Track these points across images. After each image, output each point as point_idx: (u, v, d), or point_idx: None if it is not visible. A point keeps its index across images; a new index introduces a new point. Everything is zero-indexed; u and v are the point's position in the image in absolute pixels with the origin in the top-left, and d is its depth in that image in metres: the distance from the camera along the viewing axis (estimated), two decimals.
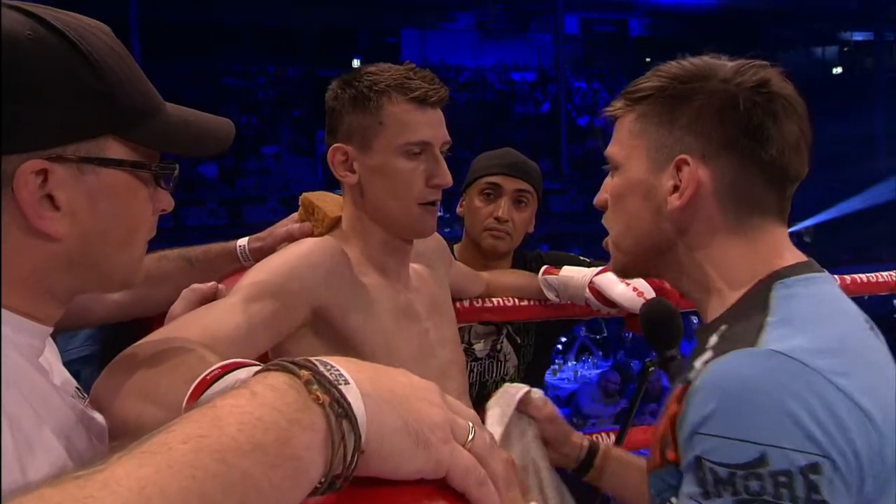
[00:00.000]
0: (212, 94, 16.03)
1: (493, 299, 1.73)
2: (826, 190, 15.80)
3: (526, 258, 1.96)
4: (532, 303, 1.76)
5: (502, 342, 1.88)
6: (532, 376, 1.94)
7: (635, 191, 0.90)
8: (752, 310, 0.80)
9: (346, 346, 1.13)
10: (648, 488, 0.85)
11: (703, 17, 18.10)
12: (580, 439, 1.17)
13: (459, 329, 1.83)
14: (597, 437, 1.86)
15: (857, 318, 0.82)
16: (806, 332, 0.75)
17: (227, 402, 0.43)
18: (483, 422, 0.55)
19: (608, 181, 0.95)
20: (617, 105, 0.93)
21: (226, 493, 0.39)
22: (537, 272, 1.79)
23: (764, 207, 0.86)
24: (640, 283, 1.57)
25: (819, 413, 0.69)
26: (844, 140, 15.20)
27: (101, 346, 1.55)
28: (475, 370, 1.85)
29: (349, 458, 0.44)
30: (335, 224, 1.30)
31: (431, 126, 1.21)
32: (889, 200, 15.27)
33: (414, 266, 1.34)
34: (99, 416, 0.74)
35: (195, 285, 1.13)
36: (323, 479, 0.44)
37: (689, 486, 0.73)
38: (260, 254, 1.30)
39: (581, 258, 1.89)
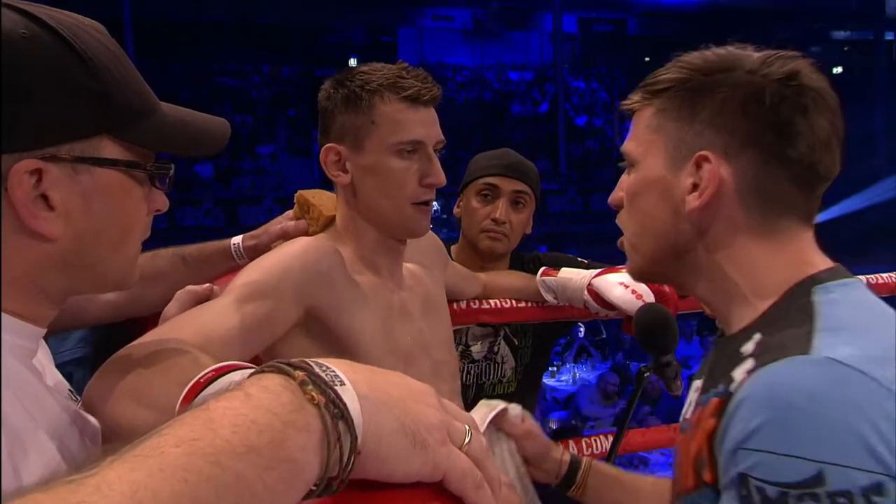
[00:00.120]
0: (206, 94, 16.02)
1: (491, 301, 1.73)
2: (826, 190, 15.83)
3: (523, 259, 1.96)
4: (530, 304, 1.76)
5: (499, 344, 1.88)
6: (529, 378, 1.94)
7: (652, 189, 0.85)
8: (795, 316, 0.74)
9: (339, 345, 1.13)
10: None
11: (702, 15, 18.12)
12: (560, 454, 1.14)
13: (456, 331, 1.83)
14: (596, 439, 1.87)
15: None
16: (857, 340, 0.70)
17: (220, 405, 0.43)
18: None
19: (624, 178, 0.91)
20: (634, 98, 0.89)
21: (219, 495, 0.39)
22: (535, 274, 1.79)
23: (791, 208, 0.81)
24: (640, 286, 1.58)
25: (882, 427, 0.63)
26: (844, 140, 15.21)
27: (93, 348, 1.55)
28: (472, 372, 1.85)
29: (345, 459, 0.44)
30: (330, 222, 1.30)
31: (424, 125, 1.21)
32: (888, 199, 15.32)
33: (408, 265, 1.34)
34: (92, 418, 0.74)
35: (190, 287, 1.13)
36: (319, 481, 0.44)
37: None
38: (254, 252, 1.30)
39: (579, 259, 1.89)
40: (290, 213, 1.41)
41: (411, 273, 1.35)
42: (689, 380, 0.92)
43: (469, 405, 1.83)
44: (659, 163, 0.85)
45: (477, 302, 1.71)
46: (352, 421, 0.45)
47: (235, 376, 0.62)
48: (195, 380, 0.64)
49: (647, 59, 18.47)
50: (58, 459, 0.63)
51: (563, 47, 19.05)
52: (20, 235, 0.63)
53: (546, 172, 15.26)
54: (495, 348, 1.88)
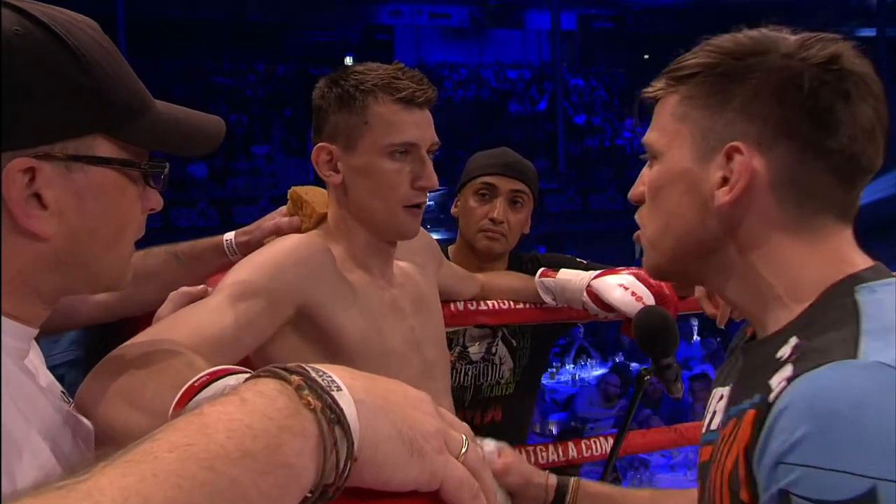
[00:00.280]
0: (201, 92, 16.00)
1: (489, 302, 1.73)
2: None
3: (521, 260, 1.96)
4: (528, 306, 1.77)
5: (497, 345, 1.88)
6: (528, 380, 1.94)
7: (677, 183, 0.80)
8: (836, 317, 0.69)
9: (330, 343, 1.13)
10: None
11: (702, 12, 18.14)
12: (544, 479, 1.11)
13: (454, 332, 1.83)
14: (595, 441, 1.87)
15: None
16: None
17: (215, 409, 0.42)
18: None
19: (645, 172, 0.85)
20: (658, 85, 0.83)
21: (213, 501, 0.39)
22: (533, 274, 1.79)
23: (829, 204, 0.76)
24: (639, 287, 1.58)
25: None
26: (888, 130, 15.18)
27: (85, 350, 1.55)
28: (470, 373, 1.86)
29: (342, 465, 0.44)
30: (323, 219, 1.30)
31: (418, 127, 1.21)
32: (887, 196, 15.35)
33: (400, 263, 1.35)
34: (85, 419, 0.74)
35: (184, 288, 1.13)
36: (315, 488, 0.44)
37: None
38: (247, 248, 1.30)
39: (578, 260, 1.89)
40: (283, 209, 1.41)
41: (403, 271, 1.35)
42: (690, 381, 0.90)
43: (467, 406, 1.84)
44: (685, 154, 0.79)
45: (475, 303, 1.71)
46: (348, 426, 0.44)
47: (230, 380, 0.62)
48: (189, 383, 0.64)
49: (646, 56, 18.50)
50: (52, 461, 0.64)
51: (562, 45, 19.06)
52: (13, 235, 0.63)
53: (544, 171, 15.27)
54: (493, 349, 1.88)
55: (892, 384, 0.59)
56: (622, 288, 1.59)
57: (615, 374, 6.50)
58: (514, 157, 1.89)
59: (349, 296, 1.18)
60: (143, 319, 1.16)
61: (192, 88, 15.91)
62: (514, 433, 1.89)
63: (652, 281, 1.57)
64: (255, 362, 1.07)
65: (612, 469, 1.23)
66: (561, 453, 1.82)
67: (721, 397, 0.83)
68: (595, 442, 1.87)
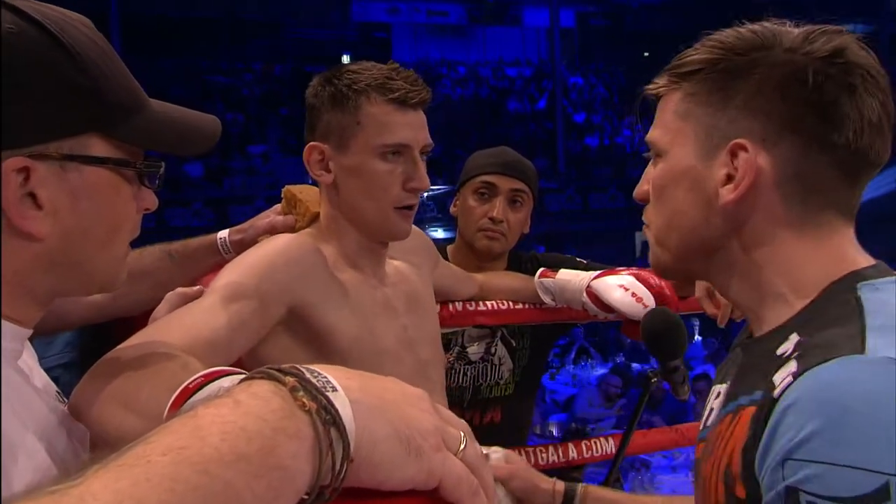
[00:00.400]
0: (196, 92, 16.00)
1: (487, 302, 1.73)
2: None
3: (521, 259, 1.96)
4: (527, 306, 1.76)
5: (496, 345, 1.88)
6: (527, 380, 1.94)
7: (681, 181, 0.80)
8: (839, 314, 0.69)
9: (322, 343, 1.14)
10: None
11: (702, 8, 18.16)
12: (551, 485, 1.12)
13: (453, 332, 1.83)
14: (596, 441, 1.87)
15: None
16: None
17: (209, 412, 0.42)
18: None
19: (650, 170, 0.85)
20: (660, 82, 0.83)
21: None
22: (533, 274, 1.79)
23: (833, 200, 0.75)
24: (639, 288, 1.58)
25: None
26: None
27: (80, 352, 1.55)
28: (469, 374, 1.86)
29: (338, 466, 0.44)
30: (317, 218, 1.31)
31: (411, 128, 1.21)
32: (886, 192, 15.39)
33: (394, 262, 1.35)
34: None
35: (180, 289, 1.13)
36: (311, 490, 0.43)
37: None
38: (241, 246, 1.31)
39: (578, 260, 1.89)
40: (277, 207, 1.41)
41: (396, 269, 1.35)
42: (692, 381, 0.91)
43: (466, 407, 1.84)
44: (688, 152, 0.79)
45: (473, 303, 1.71)
46: (344, 427, 0.44)
47: (224, 382, 0.62)
48: (184, 385, 0.63)
49: (646, 53, 18.51)
50: (48, 462, 0.64)
51: (561, 42, 19.07)
52: (8, 235, 0.63)
53: (544, 170, 15.28)
54: (492, 350, 1.88)
55: None
56: (622, 289, 1.59)
57: (616, 374, 6.50)
58: (514, 156, 1.89)
59: (341, 295, 1.19)
60: (139, 320, 1.16)
61: (187, 88, 15.91)
62: (513, 434, 1.90)
63: (652, 281, 1.57)
64: (248, 363, 1.07)
65: (608, 489, 1.23)
66: (561, 454, 1.82)
67: (718, 394, 0.83)
68: (595, 443, 1.87)
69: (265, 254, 1.13)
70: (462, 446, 0.51)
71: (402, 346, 1.26)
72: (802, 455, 0.60)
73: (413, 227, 1.33)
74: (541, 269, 1.77)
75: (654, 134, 0.83)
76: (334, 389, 0.46)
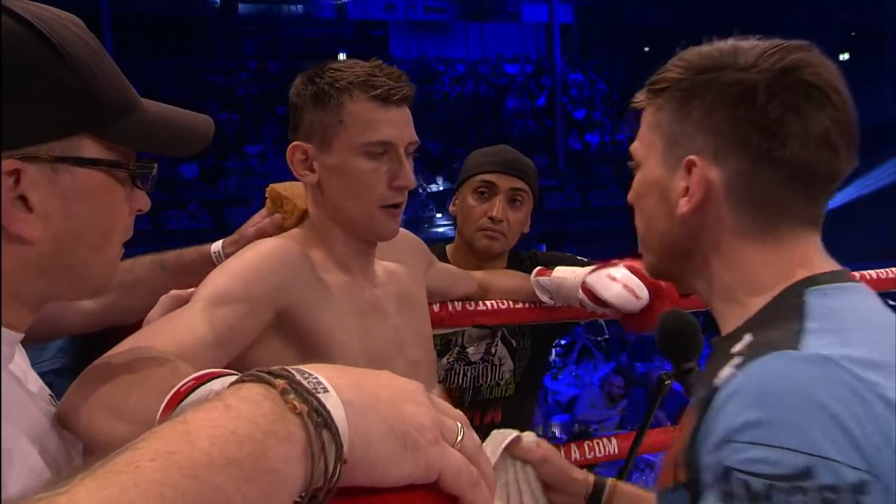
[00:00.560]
0: (191, 91, 16.00)
1: (487, 302, 1.73)
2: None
3: (521, 259, 1.96)
4: (526, 305, 1.76)
5: (497, 345, 1.88)
6: (528, 381, 1.95)
7: (652, 191, 0.87)
8: (784, 316, 0.75)
9: (312, 346, 1.14)
10: None
11: (702, 2, 18.16)
12: (584, 476, 1.14)
13: (452, 333, 1.83)
14: (599, 442, 1.87)
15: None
16: (850, 342, 0.70)
17: (198, 416, 0.42)
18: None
19: (635, 178, 0.92)
20: (640, 97, 0.90)
21: None
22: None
23: (788, 211, 0.81)
24: (632, 280, 1.57)
25: (870, 429, 0.63)
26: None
27: (73, 358, 1.55)
28: (469, 374, 1.86)
29: (331, 469, 0.44)
30: (306, 214, 1.30)
31: (395, 125, 1.20)
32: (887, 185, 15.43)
33: (384, 263, 1.35)
34: None
35: (174, 291, 1.13)
36: (304, 493, 0.43)
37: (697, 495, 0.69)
38: None
39: (578, 258, 1.89)
40: (263, 211, 1.41)
41: (386, 270, 1.35)
42: None
43: (466, 407, 1.84)
44: (657, 164, 0.86)
45: (473, 303, 1.71)
46: (336, 429, 0.44)
47: (215, 385, 0.62)
48: (175, 389, 0.63)
49: (647, 49, 18.52)
50: (41, 465, 0.64)
51: (560, 38, 19.07)
52: None
53: (544, 168, 15.28)
54: (492, 350, 1.88)
55: (831, 375, 0.66)
56: (615, 282, 1.59)
57: (619, 374, 6.50)
58: (514, 155, 1.89)
59: (329, 298, 1.18)
60: (134, 326, 1.16)
61: (181, 87, 15.90)
62: None
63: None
64: (239, 368, 1.07)
65: (637, 487, 1.23)
66: (563, 456, 1.82)
67: None
68: (598, 444, 1.87)
69: (250, 259, 1.13)
70: (459, 437, 0.51)
71: (393, 347, 1.26)
72: (738, 438, 0.65)
73: (404, 230, 1.33)
74: (537, 268, 1.77)
75: (633, 145, 0.91)
76: (326, 391, 0.46)
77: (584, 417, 5.87)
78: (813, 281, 0.78)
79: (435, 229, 13.48)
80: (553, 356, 7.15)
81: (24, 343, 0.73)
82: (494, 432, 1.12)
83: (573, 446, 1.86)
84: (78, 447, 0.73)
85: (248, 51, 19.47)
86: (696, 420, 0.72)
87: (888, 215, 13.08)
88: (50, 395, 0.77)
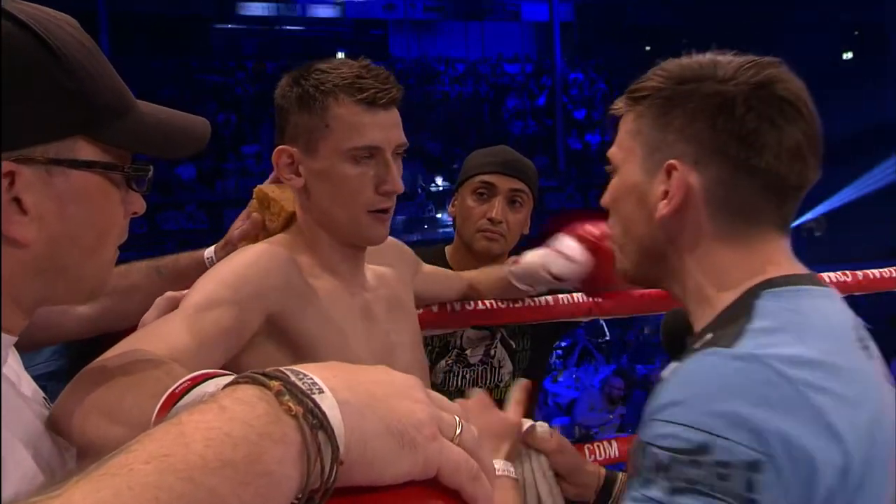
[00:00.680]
0: (187, 91, 16.01)
1: (486, 302, 1.73)
2: (835, 185, 15.88)
3: None
4: (526, 304, 1.76)
5: (496, 347, 1.88)
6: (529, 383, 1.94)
7: (630, 195, 0.92)
8: (736, 316, 0.81)
9: (302, 351, 1.13)
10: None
11: (704, 2, 18.17)
12: (595, 468, 1.17)
13: (451, 334, 1.83)
14: (599, 445, 1.87)
15: (848, 335, 0.82)
16: (788, 342, 0.76)
17: (193, 418, 0.42)
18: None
19: (612, 182, 0.96)
20: (619, 104, 0.95)
21: None
22: None
23: (760, 217, 0.87)
24: (570, 247, 1.54)
25: (779, 420, 0.70)
26: (854, 130, 15.26)
27: (68, 360, 1.55)
28: (468, 377, 1.86)
29: (327, 470, 0.44)
30: (293, 218, 1.29)
31: (382, 129, 1.18)
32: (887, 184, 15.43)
33: (373, 267, 1.34)
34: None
35: (169, 293, 1.13)
36: (301, 494, 0.43)
37: (631, 476, 0.75)
38: None
39: None
40: (244, 213, 1.40)
41: (376, 274, 1.34)
42: None
43: None
44: (636, 169, 0.91)
45: (472, 303, 1.71)
46: (332, 430, 0.44)
47: (209, 387, 0.62)
48: (170, 391, 0.63)
49: (648, 48, 18.53)
50: (34, 469, 0.64)
51: (560, 37, 19.08)
52: None
53: (544, 168, 15.30)
54: (491, 352, 1.88)
55: (750, 371, 0.73)
56: (560, 255, 1.56)
57: (619, 376, 6.50)
58: (513, 156, 1.89)
59: (317, 303, 1.18)
60: (129, 333, 1.16)
61: (179, 87, 15.92)
62: None
63: (583, 231, 1.54)
64: (233, 372, 1.07)
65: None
66: None
67: None
68: (599, 447, 1.87)
69: (238, 264, 1.12)
70: (458, 431, 0.51)
71: (384, 351, 1.26)
72: (659, 416, 0.74)
73: (390, 238, 1.31)
74: (510, 258, 1.75)
75: (612, 150, 0.96)
76: (321, 392, 0.46)
77: (584, 421, 5.87)
78: (770, 283, 0.83)
79: (445, 229, 13.42)
80: (553, 358, 7.16)
81: (18, 348, 0.73)
82: None
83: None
84: (72, 451, 0.73)
85: (246, 50, 19.48)
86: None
87: (889, 214, 13.09)
88: (44, 398, 0.77)
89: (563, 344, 7.77)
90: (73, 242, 0.68)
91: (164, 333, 0.95)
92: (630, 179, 0.91)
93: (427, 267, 1.60)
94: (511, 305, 1.75)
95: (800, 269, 0.88)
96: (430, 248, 1.94)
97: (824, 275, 1.84)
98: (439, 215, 14.06)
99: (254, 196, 1.38)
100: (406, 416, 0.48)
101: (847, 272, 1.88)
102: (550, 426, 1.22)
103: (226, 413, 0.43)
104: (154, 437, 0.41)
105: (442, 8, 21.41)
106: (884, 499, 0.77)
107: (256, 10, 19.10)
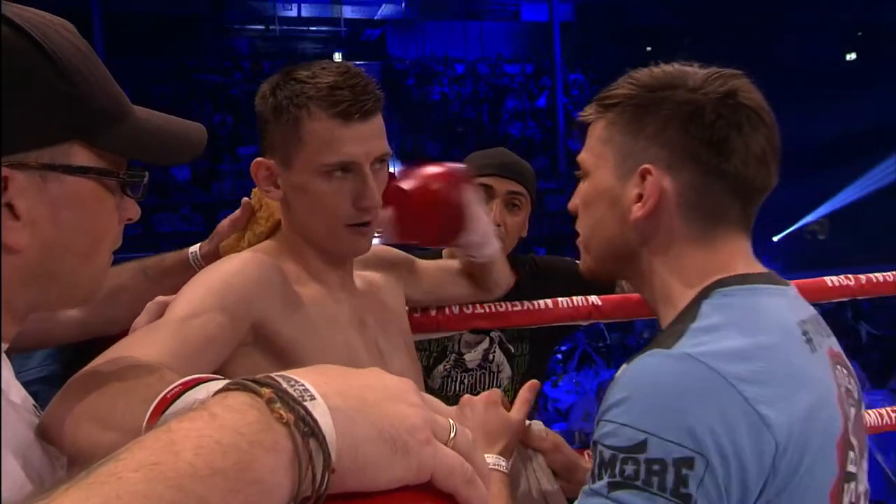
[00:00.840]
0: (183, 92, 16.01)
1: (485, 305, 1.72)
2: (838, 185, 15.90)
3: (519, 263, 1.95)
4: (525, 307, 1.75)
5: (494, 352, 1.88)
6: None
7: (602, 198, 0.96)
8: (685, 316, 0.86)
9: (289, 358, 1.12)
10: None
11: (705, 1, 18.19)
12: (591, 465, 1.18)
13: (448, 338, 1.83)
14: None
15: (791, 330, 0.87)
16: (726, 338, 0.81)
17: (183, 426, 0.42)
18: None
19: (580, 186, 1.01)
20: (588, 111, 1.00)
21: None
22: (531, 277, 1.78)
23: (727, 219, 0.92)
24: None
25: (708, 415, 0.75)
26: (857, 131, 15.29)
27: (61, 365, 1.55)
28: (466, 382, 1.86)
29: (318, 478, 0.44)
30: (279, 226, 1.29)
31: (359, 142, 1.14)
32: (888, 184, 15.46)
33: (362, 273, 1.34)
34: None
35: (160, 298, 1.13)
36: (292, 503, 0.44)
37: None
38: (211, 258, 1.30)
39: (577, 262, 1.89)
40: (237, 213, 1.40)
41: (364, 281, 1.34)
42: None
43: None
44: (608, 174, 0.95)
45: (470, 306, 1.71)
46: (323, 438, 0.44)
47: (200, 392, 0.62)
48: (161, 395, 0.63)
49: (649, 48, 18.56)
50: (22, 478, 0.64)
51: (560, 37, 19.10)
52: None
53: (544, 170, 15.31)
54: (490, 356, 1.88)
55: (684, 370, 0.78)
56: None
57: None
58: (512, 158, 1.89)
59: (303, 310, 1.17)
60: (122, 336, 1.16)
61: (174, 88, 15.91)
62: None
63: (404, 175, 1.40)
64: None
65: None
66: None
67: None
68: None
69: (223, 272, 1.12)
70: (452, 434, 0.51)
71: (374, 358, 1.25)
72: (606, 417, 0.80)
73: (377, 244, 1.30)
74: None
75: (582, 156, 1.01)
76: (312, 398, 0.46)
77: (581, 429, 5.85)
78: (721, 283, 0.89)
79: None
80: (552, 363, 7.15)
81: (9, 353, 0.73)
82: None
83: None
84: (62, 461, 0.73)
85: (242, 50, 19.49)
86: None
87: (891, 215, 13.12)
88: (34, 405, 0.77)
89: (563, 348, 7.76)
90: (67, 249, 0.68)
91: (150, 342, 0.94)
92: (602, 184, 0.96)
93: (422, 262, 1.56)
94: (510, 308, 1.75)
95: (757, 268, 0.93)
96: (426, 252, 1.94)
97: (827, 279, 1.84)
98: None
99: (252, 193, 1.39)
100: (399, 421, 0.48)
101: (850, 276, 1.88)
102: (551, 430, 1.23)
103: (216, 420, 0.43)
104: (143, 445, 0.41)
105: (442, 7, 21.43)
106: (827, 482, 0.82)
107: (253, 9, 19.10)
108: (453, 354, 1.85)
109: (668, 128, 0.90)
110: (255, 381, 0.46)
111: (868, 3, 18.65)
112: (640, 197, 0.91)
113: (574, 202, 1.03)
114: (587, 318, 1.79)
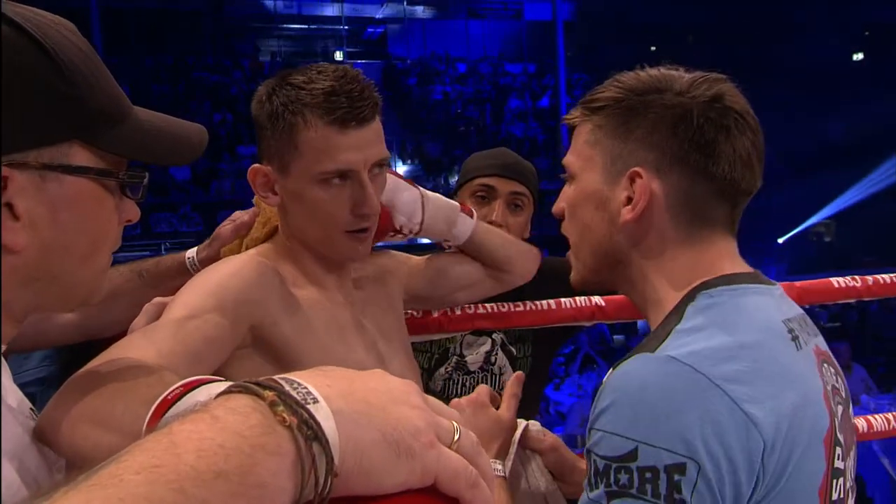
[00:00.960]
0: (182, 90, 16.01)
1: (487, 305, 1.72)
2: (844, 186, 15.88)
3: None
4: (528, 308, 1.75)
5: (496, 354, 1.88)
6: (530, 391, 1.93)
7: (590, 201, 0.97)
8: (671, 318, 0.88)
9: (287, 360, 1.13)
10: None
11: (706, 1, 18.18)
12: None
13: (450, 340, 1.83)
14: None
15: (776, 329, 0.88)
16: (711, 339, 0.82)
17: (184, 428, 0.42)
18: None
19: (566, 190, 1.01)
20: (575, 114, 1.00)
21: None
22: (531, 278, 1.78)
23: (713, 219, 0.93)
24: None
25: (695, 417, 0.76)
26: (864, 131, 15.26)
27: (59, 366, 1.55)
28: (468, 384, 1.86)
29: (321, 481, 0.44)
30: (276, 231, 1.29)
31: (356, 149, 1.14)
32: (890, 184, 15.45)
33: (359, 275, 1.34)
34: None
35: (158, 299, 1.13)
36: None
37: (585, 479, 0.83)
38: (207, 262, 1.30)
39: None
40: (236, 213, 1.40)
41: (361, 284, 1.34)
42: None
43: None
44: (596, 177, 0.96)
45: (472, 307, 1.71)
46: (326, 441, 0.44)
47: (201, 394, 0.62)
48: (162, 397, 0.63)
49: (653, 48, 18.54)
50: (17, 482, 0.64)
51: (564, 37, 19.09)
52: None
53: (547, 171, 15.29)
54: (492, 358, 1.88)
55: (669, 373, 0.79)
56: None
57: None
58: (514, 158, 1.89)
59: (301, 313, 1.18)
60: (119, 338, 1.17)
61: (173, 86, 15.92)
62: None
63: None
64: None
65: None
66: None
67: None
68: None
69: (221, 274, 1.12)
70: (456, 437, 0.51)
71: (373, 359, 1.25)
72: (596, 425, 0.81)
73: (377, 248, 1.30)
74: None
75: (568, 159, 1.00)
76: (315, 401, 0.46)
77: (575, 433, 5.83)
78: (706, 285, 0.90)
79: None
80: (555, 365, 7.14)
81: (5, 354, 0.73)
82: None
83: None
84: (60, 463, 0.73)
85: (242, 48, 19.50)
86: None
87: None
88: (30, 409, 0.77)
89: (566, 351, 7.75)
90: (66, 249, 0.68)
91: (148, 343, 0.94)
92: (590, 187, 0.96)
93: (419, 258, 1.54)
94: (513, 309, 1.74)
95: (744, 268, 0.94)
96: (428, 253, 1.94)
97: (833, 280, 1.84)
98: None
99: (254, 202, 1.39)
100: (403, 424, 0.48)
101: (856, 277, 1.88)
102: (553, 433, 1.23)
103: (218, 423, 0.42)
104: (145, 448, 0.41)
105: (443, 6, 21.43)
106: (816, 479, 0.83)
107: (254, 7, 19.11)
108: (455, 357, 1.85)
109: (657, 131, 0.91)
110: (257, 384, 0.46)
111: (875, 4, 18.62)
112: (629, 200, 0.93)
113: (559, 205, 1.03)
114: (590, 319, 1.79)
